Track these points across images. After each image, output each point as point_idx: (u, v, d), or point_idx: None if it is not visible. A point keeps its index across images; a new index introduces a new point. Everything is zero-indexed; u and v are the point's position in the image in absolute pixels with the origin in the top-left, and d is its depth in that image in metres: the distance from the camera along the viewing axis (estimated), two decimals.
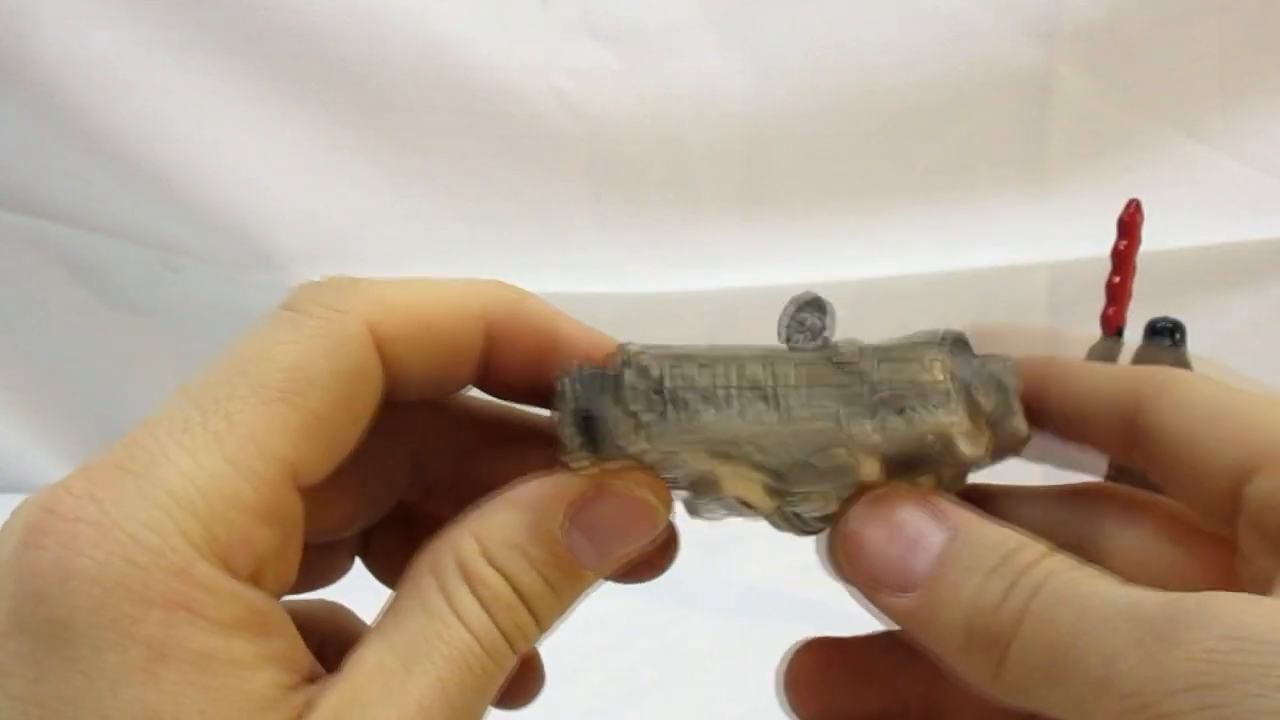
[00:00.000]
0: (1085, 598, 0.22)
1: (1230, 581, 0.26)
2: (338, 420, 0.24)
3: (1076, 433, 0.29)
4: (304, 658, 0.24)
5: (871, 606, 0.26)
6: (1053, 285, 0.85)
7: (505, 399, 0.29)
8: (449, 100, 0.82)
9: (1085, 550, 0.27)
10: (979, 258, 0.83)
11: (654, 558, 0.29)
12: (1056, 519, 0.28)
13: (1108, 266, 0.54)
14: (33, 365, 0.91)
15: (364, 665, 0.23)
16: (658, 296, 0.85)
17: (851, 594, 0.27)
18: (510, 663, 0.25)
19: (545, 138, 0.84)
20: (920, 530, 0.25)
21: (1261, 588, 0.23)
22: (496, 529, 0.25)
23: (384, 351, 0.25)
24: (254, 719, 0.22)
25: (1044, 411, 0.29)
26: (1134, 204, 0.54)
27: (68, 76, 0.80)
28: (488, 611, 0.24)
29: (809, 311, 0.28)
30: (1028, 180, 0.85)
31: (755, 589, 0.73)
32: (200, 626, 0.21)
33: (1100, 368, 0.29)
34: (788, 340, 0.28)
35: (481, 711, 0.25)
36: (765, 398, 0.27)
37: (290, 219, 0.85)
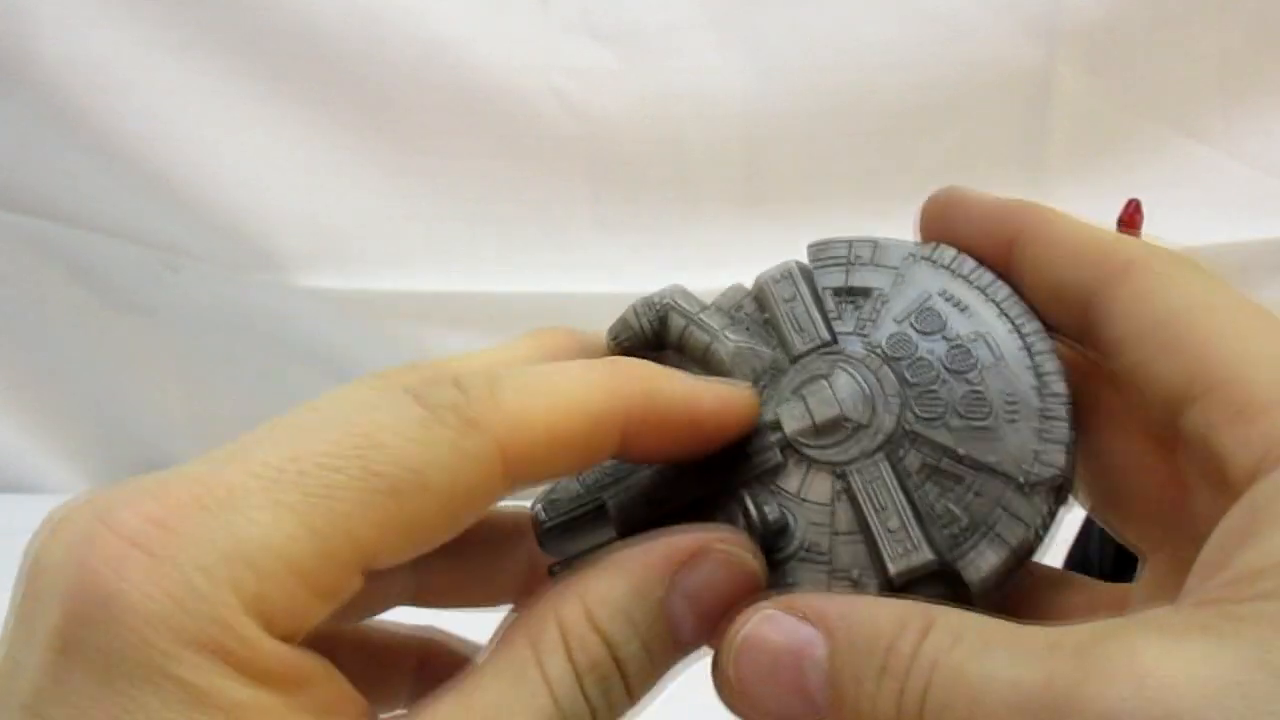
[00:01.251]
0: (972, 686, 0.21)
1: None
2: (438, 527, 0.23)
3: (1038, 299, 0.27)
4: (353, 702, 0.23)
5: None
6: None
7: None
8: (449, 100, 0.82)
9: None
10: None
11: None
12: None
13: None
14: (33, 365, 0.91)
15: (439, 712, 0.23)
16: None
17: None
18: None
19: (545, 138, 0.84)
20: (800, 646, 0.23)
21: (1202, 531, 0.22)
22: (603, 593, 0.24)
23: (510, 470, 0.24)
24: None
25: (1012, 267, 0.27)
26: (1134, 204, 0.54)
27: (68, 76, 0.80)
28: (578, 679, 0.23)
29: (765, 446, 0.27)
30: (1028, 180, 0.85)
31: None
32: (231, 676, 0.21)
33: (1076, 232, 0.27)
34: (740, 465, 0.27)
35: None
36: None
37: (290, 219, 0.85)
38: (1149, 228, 0.54)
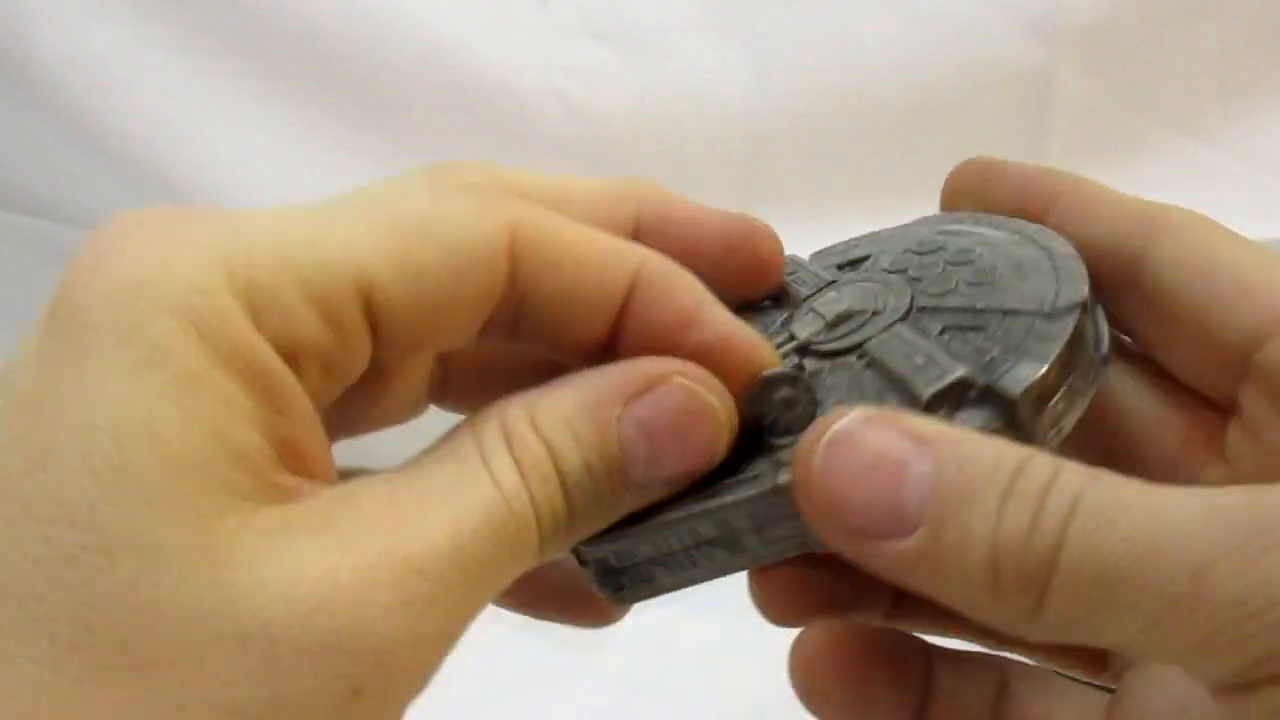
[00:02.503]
0: (1139, 509, 0.19)
1: (1217, 445, 0.26)
2: (438, 279, 0.23)
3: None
4: (320, 461, 0.23)
5: (860, 557, 0.22)
6: None
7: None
8: (449, 100, 0.82)
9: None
10: None
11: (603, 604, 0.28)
12: None
13: None
14: None
15: (372, 490, 0.22)
16: None
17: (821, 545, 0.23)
18: (531, 544, 0.23)
19: (545, 138, 0.84)
20: (903, 457, 0.21)
21: (1276, 457, 0.22)
22: (549, 404, 0.24)
23: (518, 260, 0.24)
24: (225, 463, 0.21)
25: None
26: None
27: (68, 76, 0.80)
28: (523, 476, 0.23)
29: (786, 388, 0.25)
30: None
31: None
32: (200, 348, 0.21)
33: (1115, 195, 0.27)
34: (770, 426, 0.25)
35: (493, 581, 0.23)
36: (726, 546, 0.25)
37: None
38: None
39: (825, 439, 0.22)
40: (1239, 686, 0.18)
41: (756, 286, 0.29)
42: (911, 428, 0.22)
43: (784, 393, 0.25)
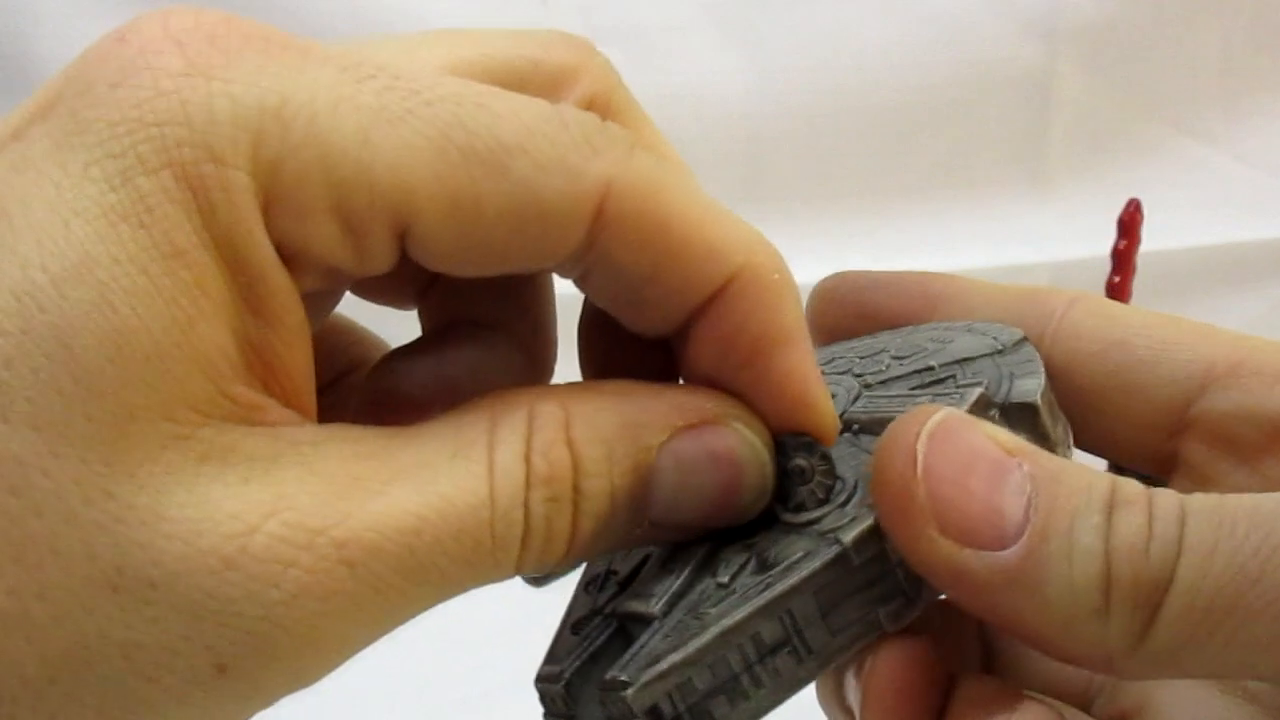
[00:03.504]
0: (1257, 513, 0.18)
1: None
2: (496, 221, 0.19)
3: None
4: (296, 383, 0.19)
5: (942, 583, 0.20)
6: (1053, 285, 0.85)
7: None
8: None
9: None
10: (979, 258, 0.83)
11: None
12: None
13: (1108, 266, 0.54)
14: None
15: (342, 444, 0.19)
16: None
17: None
18: (504, 562, 0.19)
19: None
20: (1001, 462, 0.19)
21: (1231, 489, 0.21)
22: (590, 413, 0.20)
23: (604, 221, 0.20)
24: (180, 360, 0.17)
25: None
26: (1134, 204, 0.54)
27: None
28: (529, 487, 0.19)
29: (802, 456, 0.22)
30: (1028, 180, 0.85)
31: None
32: (190, 220, 0.17)
33: (992, 289, 0.26)
34: (787, 502, 0.22)
35: (433, 595, 0.19)
36: (791, 651, 0.21)
37: None
38: (1149, 228, 0.54)
39: (926, 431, 0.19)
40: None
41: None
42: (997, 435, 0.20)
43: (799, 461, 0.22)
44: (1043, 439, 0.22)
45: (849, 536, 0.21)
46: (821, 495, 0.22)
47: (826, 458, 0.22)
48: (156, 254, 0.17)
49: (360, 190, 0.18)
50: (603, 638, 0.23)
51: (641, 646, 0.21)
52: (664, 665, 0.20)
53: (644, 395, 0.21)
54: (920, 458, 0.19)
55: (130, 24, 0.19)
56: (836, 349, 0.28)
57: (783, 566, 0.21)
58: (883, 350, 0.26)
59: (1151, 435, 0.25)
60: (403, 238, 0.19)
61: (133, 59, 0.18)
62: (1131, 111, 0.85)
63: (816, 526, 0.22)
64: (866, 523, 0.21)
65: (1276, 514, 0.18)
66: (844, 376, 0.26)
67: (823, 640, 0.21)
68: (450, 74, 0.20)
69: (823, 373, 0.23)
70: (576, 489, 0.20)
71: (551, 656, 0.24)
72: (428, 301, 0.26)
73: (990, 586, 0.19)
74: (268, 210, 0.18)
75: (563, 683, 0.22)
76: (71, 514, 0.17)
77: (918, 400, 0.23)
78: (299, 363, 0.19)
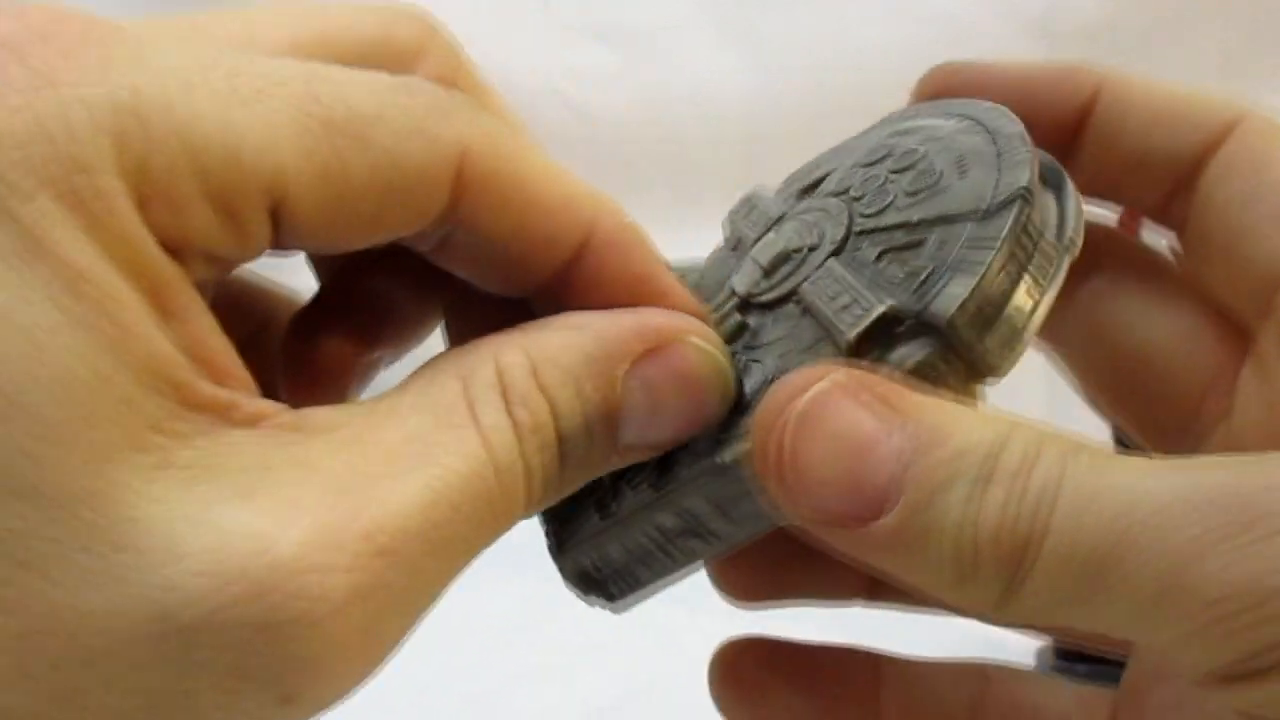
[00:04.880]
0: (1123, 492, 0.18)
1: (1234, 379, 0.23)
2: (362, 186, 0.19)
3: (1116, 173, 0.24)
4: (228, 363, 0.18)
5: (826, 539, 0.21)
6: None
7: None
8: None
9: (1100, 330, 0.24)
10: None
11: None
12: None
13: None
14: None
15: (330, 433, 0.18)
16: None
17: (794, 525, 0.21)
18: (514, 514, 0.20)
19: (545, 138, 0.84)
20: (871, 435, 0.19)
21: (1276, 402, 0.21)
22: (556, 351, 0.20)
23: (464, 184, 0.20)
24: (130, 384, 0.17)
25: (1081, 141, 0.24)
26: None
27: None
28: (520, 441, 0.19)
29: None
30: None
31: None
32: (86, 239, 0.17)
33: (1165, 88, 0.24)
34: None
35: (462, 561, 0.19)
36: (697, 535, 0.23)
37: None
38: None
39: (796, 413, 0.20)
40: (1232, 677, 0.18)
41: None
42: (884, 395, 0.20)
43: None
44: (960, 353, 0.21)
45: (728, 456, 0.21)
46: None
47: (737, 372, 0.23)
48: (60, 284, 0.16)
49: (231, 172, 0.18)
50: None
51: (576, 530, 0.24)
52: (578, 547, 0.23)
53: (599, 325, 0.21)
54: (788, 441, 0.19)
55: None
56: (839, 154, 0.27)
57: (686, 460, 0.22)
58: (887, 155, 0.25)
59: (1247, 305, 0.23)
60: (276, 215, 0.19)
61: None
62: None
63: (723, 433, 0.22)
64: (746, 446, 0.21)
65: (1142, 497, 0.18)
66: (837, 200, 0.25)
67: (722, 528, 0.22)
68: (293, 54, 0.20)
69: (828, 195, 0.25)
70: (558, 433, 0.20)
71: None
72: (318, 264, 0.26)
73: (868, 551, 0.20)
74: (143, 208, 0.17)
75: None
76: (88, 574, 0.16)
77: (851, 288, 0.22)
78: (223, 349, 0.18)
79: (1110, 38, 0.83)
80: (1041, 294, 0.22)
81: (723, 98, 0.83)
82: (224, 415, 0.18)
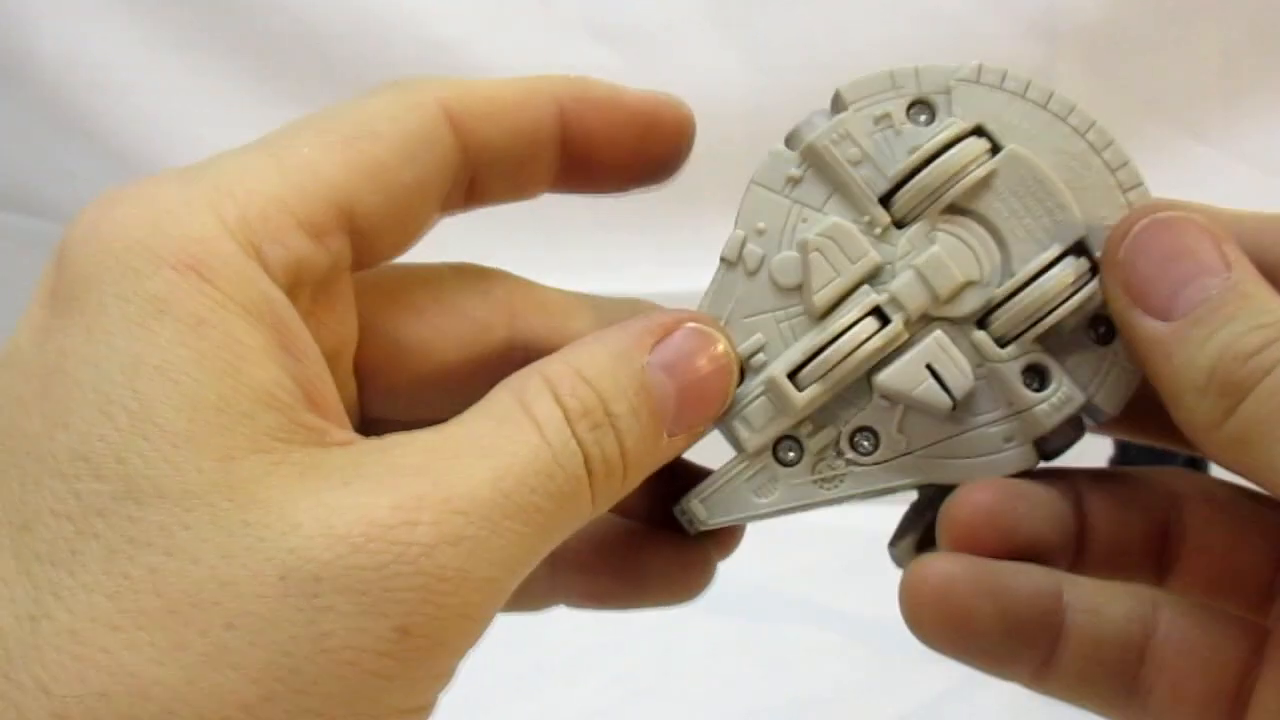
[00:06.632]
0: None
1: None
2: (401, 171, 0.24)
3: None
4: (334, 407, 0.23)
5: (1123, 323, 0.25)
6: None
7: (593, 192, 0.30)
8: None
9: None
10: None
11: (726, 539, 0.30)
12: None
13: None
14: None
15: (406, 442, 0.22)
16: (658, 296, 0.84)
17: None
18: (583, 494, 0.23)
19: None
20: (1204, 265, 0.24)
21: None
22: (586, 358, 0.24)
23: (456, 124, 0.25)
24: (247, 402, 0.21)
25: None
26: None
27: (68, 76, 0.80)
28: (570, 424, 0.23)
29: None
30: None
31: (755, 589, 0.73)
32: (204, 292, 0.21)
33: None
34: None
35: (545, 531, 0.22)
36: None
37: None
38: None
39: (1147, 219, 0.25)
40: None
41: (672, 159, 0.31)
42: (1228, 248, 0.24)
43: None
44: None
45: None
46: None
47: None
48: (187, 330, 0.20)
49: (305, 199, 0.23)
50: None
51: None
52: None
53: (613, 330, 0.25)
54: (1138, 228, 0.25)
55: (81, 212, 0.22)
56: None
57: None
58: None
59: None
60: (350, 225, 0.24)
61: (97, 219, 0.22)
62: (1131, 111, 0.85)
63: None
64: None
65: None
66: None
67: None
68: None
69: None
70: (608, 414, 0.23)
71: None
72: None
73: (1140, 339, 0.25)
74: (259, 254, 0.22)
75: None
76: (224, 548, 0.20)
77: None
78: (328, 386, 0.23)
79: (1110, 38, 0.83)
80: None
81: (723, 98, 0.83)
82: (322, 436, 0.22)
